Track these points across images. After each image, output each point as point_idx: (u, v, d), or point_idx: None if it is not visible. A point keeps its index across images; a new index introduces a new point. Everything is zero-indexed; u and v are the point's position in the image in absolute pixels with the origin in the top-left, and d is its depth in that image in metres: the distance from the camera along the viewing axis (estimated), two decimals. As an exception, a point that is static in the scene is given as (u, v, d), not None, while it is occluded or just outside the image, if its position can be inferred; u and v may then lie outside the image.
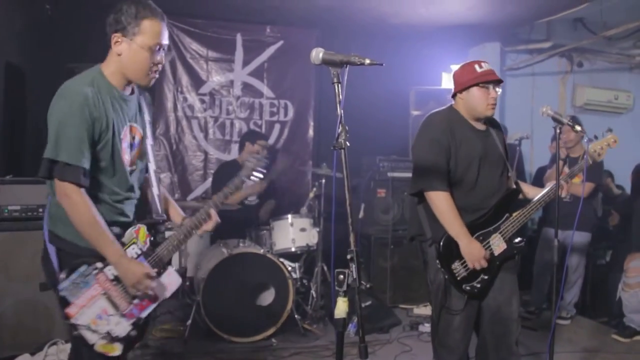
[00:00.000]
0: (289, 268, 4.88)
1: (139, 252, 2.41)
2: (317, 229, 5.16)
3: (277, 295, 4.65)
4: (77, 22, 5.87)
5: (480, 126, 3.19)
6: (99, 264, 2.31)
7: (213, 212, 2.66)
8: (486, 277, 3.08)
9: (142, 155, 2.56)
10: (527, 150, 6.80)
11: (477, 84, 3.06)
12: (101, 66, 2.41)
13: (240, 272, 4.57)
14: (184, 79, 6.54)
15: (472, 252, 3.00)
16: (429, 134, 3.15)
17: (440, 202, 3.04)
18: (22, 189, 4.09)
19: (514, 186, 3.22)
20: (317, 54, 2.03)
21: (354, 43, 6.54)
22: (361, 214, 5.69)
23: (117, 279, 2.32)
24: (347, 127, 1.98)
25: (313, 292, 5.19)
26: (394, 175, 5.81)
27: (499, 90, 3.11)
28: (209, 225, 2.67)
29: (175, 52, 6.47)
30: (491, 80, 3.06)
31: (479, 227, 3.09)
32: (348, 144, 1.97)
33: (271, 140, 6.68)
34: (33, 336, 4.00)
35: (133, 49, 2.33)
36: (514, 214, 3.14)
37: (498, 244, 3.10)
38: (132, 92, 2.51)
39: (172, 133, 6.53)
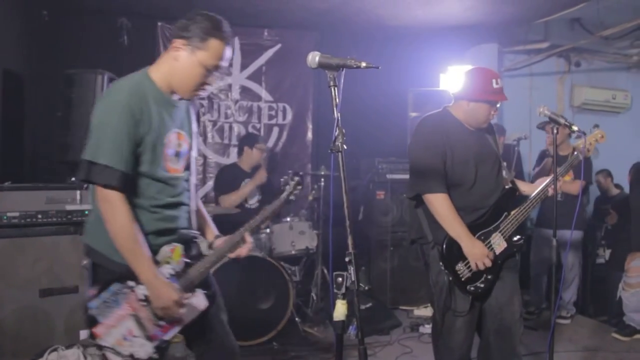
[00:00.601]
0: (289, 271, 4.88)
1: (172, 272, 2.31)
2: (317, 232, 5.17)
3: (277, 299, 4.66)
4: (74, 28, 5.91)
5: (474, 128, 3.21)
6: (131, 283, 2.24)
7: (248, 236, 2.55)
8: (490, 277, 3.08)
9: (188, 165, 2.47)
10: (526, 151, 6.80)
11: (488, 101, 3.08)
12: (149, 69, 2.34)
13: (240, 276, 4.58)
14: (182, 84, 6.54)
15: (475, 252, 3.00)
16: (423, 137, 3.16)
17: (439, 204, 3.04)
18: (21, 195, 4.09)
19: (510, 185, 3.23)
20: (314, 57, 2.03)
21: (352, 45, 6.56)
22: (360, 216, 5.70)
23: (147, 299, 2.25)
24: (344, 130, 1.99)
25: (313, 294, 5.19)
26: (393, 177, 5.82)
27: (499, 105, 3.16)
28: (243, 250, 2.55)
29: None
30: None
31: (479, 227, 3.10)
32: (345, 146, 1.97)
33: (270, 144, 6.68)
34: (33, 343, 4.00)
35: (191, 61, 2.26)
36: (512, 212, 3.15)
37: (499, 243, 3.10)
38: (181, 98, 2.42)
39: (171, 137, 6.51)
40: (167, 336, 2.32)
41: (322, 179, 5.17)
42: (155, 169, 2.29)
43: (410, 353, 4.59)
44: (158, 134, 2.27)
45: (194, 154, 2.50)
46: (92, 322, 2.22)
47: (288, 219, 5.19)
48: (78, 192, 4.36)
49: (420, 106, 6.21)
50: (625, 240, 5.40)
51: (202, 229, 2.62)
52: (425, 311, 5.50)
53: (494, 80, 3.07)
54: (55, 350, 3.96)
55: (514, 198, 3.23)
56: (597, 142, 3.36)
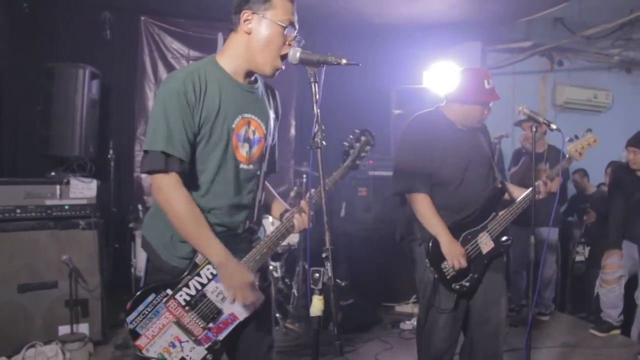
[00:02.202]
0: (271, 267, 4.86)
1: (215, 272, 2.20)
2: (299, 228, 5.16)
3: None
4: (55, 21, 5.83)
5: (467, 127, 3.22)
6: (169, 291, 2.17)
7: (306, 205, 2.34)
8: (475, 276, 3.11)
9: (263, 156, 2.35)
10: (507, 149, 6.85)
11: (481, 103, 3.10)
12: (216, 55, 2.24)
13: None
14: (165, 79, 6.49)
15: (453, 249, 3.02)
16: (411, 136, 3.18)
17: (419, 203, 3.09)
18: (-2, 189, 4.07)
19: (499, 185, 3.25)
20: (295, 53, 2.03)
21: (336, 42, 6.56)
22: (343, 213, 5.71)
23: (189, 304, 2.19)
24: (323, 127, 1.98)
25: (295, 291, 5.20)
26: (375, 174, 5.83)
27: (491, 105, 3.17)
28: (304, 221, 2.33)
29: (156, 52, 6.45)
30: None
31: (466, 227, 3.12)
32: (324, 143, 1.97)
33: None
34: (11, 339, 3.98)
35: (265, 25, 2.14)
36: (500, 213, 3.17)
37: (486, 243, 3.12)
38: (254, 82, 2.31)
39: (154, 133, 6.47)
40: (222, 336, 2.25)
41: (305, 175, 5.17)
42: (223, 157, 2.19)
43: (391, 349, 4.61)
44: (224, 120, 2.17)
45: (269, 141, 2.38)
46: (133, 335, 2.17)
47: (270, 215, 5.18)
48: (58, 186, 4.34)
49: (404, 104, 6.24)
50: (603, 238, 5.46)
51: (269, 205, 2.53)
52: (407, 307, 5.54)
53: (485, 81, 3.09)
54: (33, 346, 3.95)
55: (502, 199, 3.25)
56: (589, 146, 3.32)
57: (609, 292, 5.10)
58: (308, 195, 2.32)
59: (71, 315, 4.21)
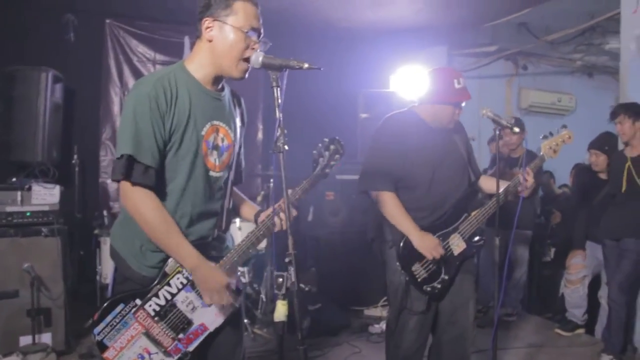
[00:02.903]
0: (238, 273, 4.83)
1: (185, 281, 2.17)
2: (266, 232, 5.12)
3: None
4: (16, 23, 5.70)
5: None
6: (138, 301, 2.14)
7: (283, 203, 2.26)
8: (446, 277, 3.11)
9: (231, 164, 2.34)
10: (475, 152, 6.93)
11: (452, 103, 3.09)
12: (185, 61, 2.22)
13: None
14: (131, 83, 6.41)
15: (426, 243, 3.02)
16: (382, 137, 3.18)
17: (386, 202, 3.08)
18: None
19: (471, 186, 3.26)
20: (257, 57, 2.04)
21: (303, 46, 6.55)
22: (310, 217, 5.69)
23: (158, 315, 2.16)
24: (285, 131, 1.99)
25: (263, 296, 5.15)
26: (343, 178, 5.80)
27: (464, 104, 3.16)
28: (283, 222, 2.28)
29: (121, 55, 6.37)
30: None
31: (438, 228, 3.12)
32: (287, 147, 1.97)
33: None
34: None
35: (225, 30, 2.12)
36: (473, 214, 3.16)
37: (457, 244, 3.12)
38: (221, 90, 2.29)
39: (120, 137, 6.39)
40: (191, 347, 2.22)
41: (272, 180, 5.14)
42: (193, 164, 2.17)
43: (359, 353, 4.61)
44: (194, 127, 2.15)
45: (236, 149, 2.37)
46: (101, 347, 2.13)
47: (237, 220, 5.14)
48: (19, 193, 4.25)
49: (371, 107, 6.26)
50: (568, 239, 5.56)
51: (237, 208, 2.53)
52: (376, 311, 5.54)
53: (455, 81, 3.08)
54: (-8, 357, 3.84)
55: (475, 199, 3.26)
56: (564, 142, 3.24)
57: (574, 292, 5.18)
58: (289, 193, 2.25)
59: (33, 324, 4.11)
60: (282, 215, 2.26)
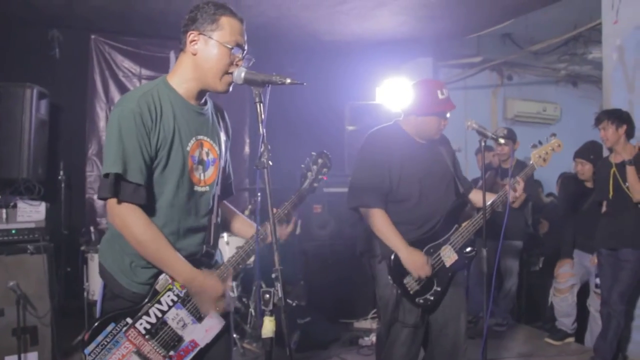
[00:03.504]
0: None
1: (175, 299, 2.15)
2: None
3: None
4: (1, 41, 5.68)
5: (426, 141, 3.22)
6: (129, 320, 2.10)
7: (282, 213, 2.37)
8: (439, 289, 3.10)
9: (217, 177, 2.31)
10: (460, 163, 6.96)
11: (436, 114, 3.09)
12: (167, 76, 2.20)
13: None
14: (117, 98, 6.38)
15: (414, 260, 3.00)
16: (367, 152, 3.18)
17: (375, 218, 3.08)
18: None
19: (462, 197, 3.26)
20: (239, 73, 2.03)
21: (289, 60, 6.58)
22: (298, 230, 5.67)
23: (149, 333, 2.13)
24: (269, 146, 1.98)
25: (252, 310, 5.13)
26: (330, 191, 5.81)
27: (449, 115, 3.16)
28: (285, 231, 2.38)
29: (107, 71, 6.35)
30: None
31: (428, 240, 3.11)
32: (271, 162, 1.97)
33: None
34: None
35: (210, 45, 2.11)
36: (463, 225, 3.15)
37: (449, 255, 3.11)
38: (204, 104, 2.27)
39: (106, 153, 6.36)
40: None
41: (259, 193, 5.13)
42: (179, 180, 2.15)
43: (349, 366, 4.60)
44: (178, 142, 2.13)
45: (221, 163, 2.35)
46: None
47: (225, 234, 5.12)
48: (4, 210, 4.21)
49: (357, 120, 6.26)
50: (556, 248, 5.57)
51: (228, 223, 2.53)
52: (365, 323, 5.52)
53: (439, 91, 3.09)
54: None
55: (464, 210, 3.26)
56: (553, 151, 3.25)
57: (562, 301, 5.19)
58: (279, 210, 2.36)
59: (19, 344, 4.05)
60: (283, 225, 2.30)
